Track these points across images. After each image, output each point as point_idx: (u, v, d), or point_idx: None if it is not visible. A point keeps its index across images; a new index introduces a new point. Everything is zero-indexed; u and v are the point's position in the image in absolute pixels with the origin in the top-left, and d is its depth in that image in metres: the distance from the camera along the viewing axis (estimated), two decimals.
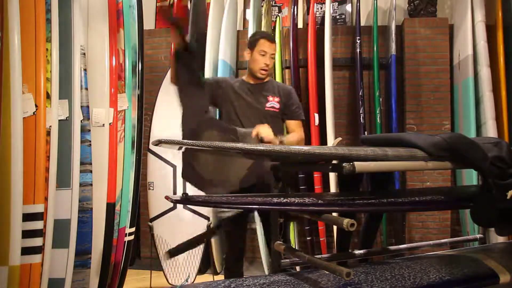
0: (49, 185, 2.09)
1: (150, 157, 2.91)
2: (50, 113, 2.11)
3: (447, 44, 3.61)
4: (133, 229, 2.72)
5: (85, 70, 2.35)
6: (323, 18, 3.79)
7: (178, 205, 2.85)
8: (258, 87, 2.31)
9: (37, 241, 1.99)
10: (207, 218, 2.92)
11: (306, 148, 1.45)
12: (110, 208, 2.48)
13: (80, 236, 2.24)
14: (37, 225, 2.00)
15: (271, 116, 2.25)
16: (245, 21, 4.09)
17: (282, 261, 1.67)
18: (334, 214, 1.59)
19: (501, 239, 2.98)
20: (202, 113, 2.10)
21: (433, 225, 3.52)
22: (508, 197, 1.48)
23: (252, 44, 2.30)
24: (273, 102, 2.27)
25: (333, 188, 3.30)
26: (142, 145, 2.78)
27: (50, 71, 2.13)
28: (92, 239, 2.34)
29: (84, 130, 2.32)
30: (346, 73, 3.83)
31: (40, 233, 2.01)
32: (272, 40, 2.32)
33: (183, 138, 1.93)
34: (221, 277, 3.29)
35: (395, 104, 3.47)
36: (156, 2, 4.26)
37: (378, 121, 3.56)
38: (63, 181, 2.19)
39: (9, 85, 1.91)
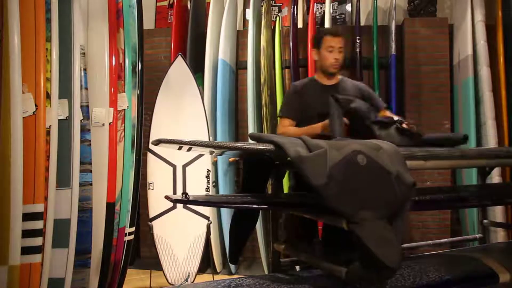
0: (49, 185, 2.08)
1: (150, 156, 2.91)
2: (50, 112, 2.10)
3: (447, 44, 3.61)
4: (133, 229, 2.72)
5: (85, 69, 2.35)
6: (323, 17, 3.79)
7: (178, 204, 2.85)
8: (333, 89, 2.26)
9: (37, 241, 1.99)
10: (207, 218, 2.92)
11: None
12: (110, 208, 2.48)
13: (80, 236, 2.24)
14: (37, 224, 2.00)
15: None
16: (245, 20, 4.10)
17: (282, 260, 1.67)
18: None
19: (501, 238, 2.99)
20: None
21: (433, 225, 3.52)
22: None
23: (318, 42, 2.32)
24: None
25: None
26: (142, 145, 2.78)
27: (50, 71, 2.13)
28: (92, 239, 2.34)
29: (84, 130, 2.31)
30: (346, 73, 3.82)
31: (40, 232, 2.01)
32: (336, 34, 2.33)
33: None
34: (221, 276, 3.29)
35: (395, 104, 3.47)
36: (156, 2, 4.27)
37: None
38: (63, 181, 2.19)
39: (9, 84, 1.91)
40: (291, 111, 2.31)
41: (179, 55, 3.00)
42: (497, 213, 3.06)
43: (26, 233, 1.94)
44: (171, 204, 2.84)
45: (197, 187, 2.90)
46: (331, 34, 2.31)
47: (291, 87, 2.49)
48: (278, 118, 2.40)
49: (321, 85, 2.32)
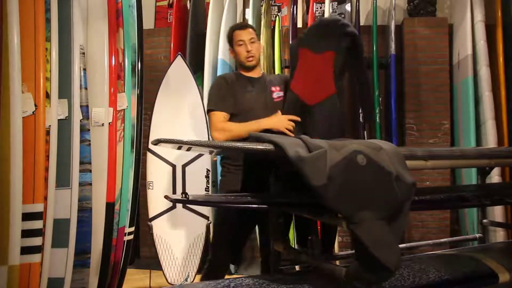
0: (48, 185, 2.08)
1: (150, 156, 2.90)
2: (49, 112, 2.10)
3: (446, 43, 3.61)
4: (132, 229, 2.72)
5: (84, 69, 2.35)
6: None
7: (177, 204, 2.85)
8: (259, 80, 2.27)
9: (36, 241, 1.99)
10: (207, 218, 2.92)
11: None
12: (110, 208, 2.47)
13: (80, 236, 2.24)
14: (37, 224, 2.00)
15: (279, 106, 2.21)
16: (244, 20, 4.09)
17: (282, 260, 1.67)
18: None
19: (501, 238, 2.99)
20: None
21: (433, 225, 3.52)
22: None
23: (230, 41, 2.30)
24: (278, 93, 2.23)
25: None
26: (141, 145, 2.78)
27: (50, 71, 2.13)
28: (92, 239, 2.33)
29: (84, 130, 2.31)
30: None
31: (39, 232, 2.01)
32: (243, 27, 2.31)
33: None
34: None
35: (395, 103, 3.47)
36: (156, 2, 4.27)
37: (377, 120, 3.56)
38: (63, 181, 2.18)
39: (8, 84, 1.91)
40: (224, 103, 2.16)
41: (179, 55, 3.00)
42: (497, 213, 3.06)
43: (26, 233, 1.94)
44: (170, 204, 2.84)
45: (197, 187, 2.90)
46: (238, 28, 2.29)
47: (219, 78, 2.36)
48: (209, 113, 2.18)
49: (248, 77, 2.26)
